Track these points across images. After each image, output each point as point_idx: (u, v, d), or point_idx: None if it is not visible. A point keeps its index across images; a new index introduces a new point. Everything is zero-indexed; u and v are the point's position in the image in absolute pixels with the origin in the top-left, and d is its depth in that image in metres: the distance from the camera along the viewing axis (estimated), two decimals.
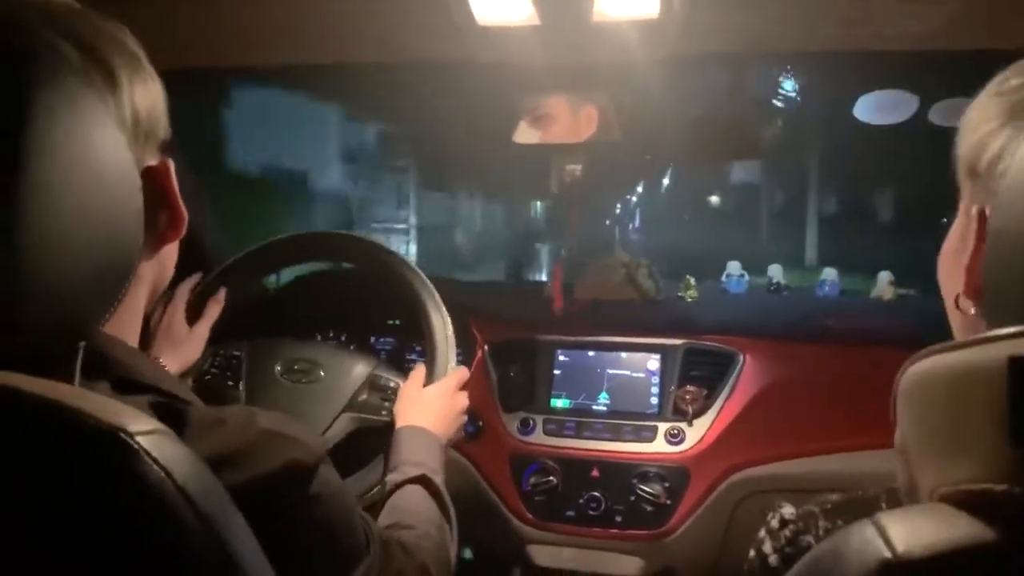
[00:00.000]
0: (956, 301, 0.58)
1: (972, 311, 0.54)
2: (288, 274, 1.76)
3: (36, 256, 0.52)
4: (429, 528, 1.00)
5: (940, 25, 1.10)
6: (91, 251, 0.56)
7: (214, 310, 1.37)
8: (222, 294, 1.39)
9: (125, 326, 0.69)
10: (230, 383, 1.31)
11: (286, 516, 0.67)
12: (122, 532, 0.48)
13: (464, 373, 1.30)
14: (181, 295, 1.34)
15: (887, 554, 0.40)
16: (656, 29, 1.10)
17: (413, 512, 1.02)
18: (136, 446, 0.48)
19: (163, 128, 0.69)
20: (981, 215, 0.55)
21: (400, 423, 1.18)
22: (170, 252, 0.74)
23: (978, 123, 0.59)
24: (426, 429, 1.16)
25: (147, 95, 0.65)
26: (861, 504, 0.69)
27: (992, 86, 0.60)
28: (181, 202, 0.70)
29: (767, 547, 0.70)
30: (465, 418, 1.28)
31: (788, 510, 0.71)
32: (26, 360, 0.53)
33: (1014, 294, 0.45)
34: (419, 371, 1.28)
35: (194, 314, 1.34)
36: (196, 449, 0.58)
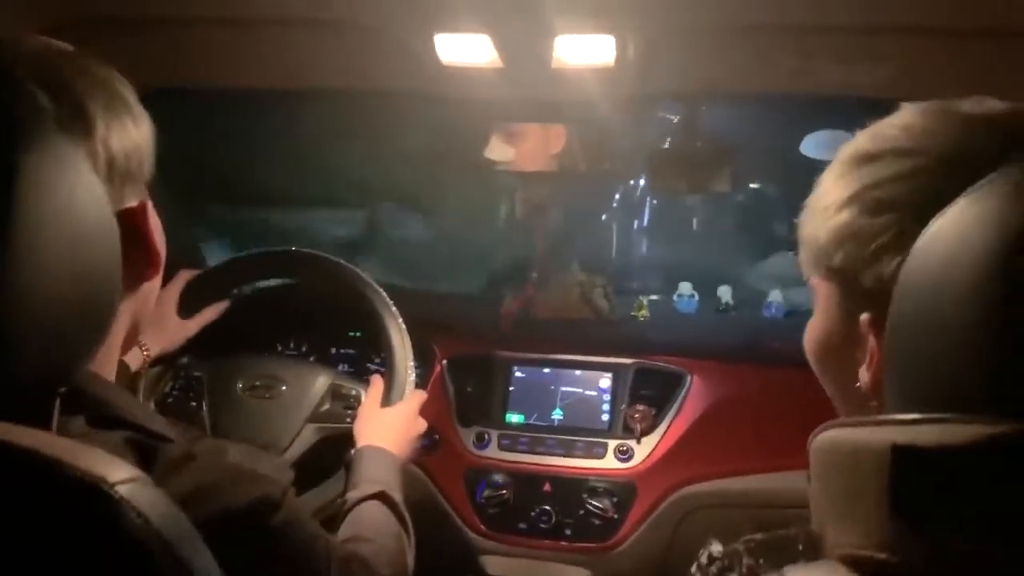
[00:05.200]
0: (845, 388, 0.65)
1: (873, 403, 0.60)
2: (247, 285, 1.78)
3: (16, 310, 0.53)
4: (387, 541, 1.05)
5: (880, 79, 1.17)
6: (71, 301, 0.58)
7: (211, 313, 1.42)
8: (224, 303, 1.45)
9: (101, 361, 0.71)
10: (193, 403, 1.34)
11: (253, 548, 0.71)
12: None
13: (423, 396, 1.34)
14: (180, 280, 1.40)
15: None
16: (612, 74, 1.16)
17: (372, 526, 1.07)
18: (116, 496, 0.52)
19: (145, 169, 0.70)
20: (874, 325, 0.59)
21: (361, 442, 1.22)
22: (150, 288, 0.76)
23: (850, 218, 0.61)
24: (386, 449, 1.20)
25: (126, 137, 0.66)
26: (781, 543, 0.75)
27: (854, 167, 0.62)
28: (157, 241, 0.71)
29: None
30: (420, 443, 1.32)
31: (716, 547, 0.76)
32: (4, 403, 0.56)
33: (913, 387, 0.50)
34: (377, 386, 1.32)
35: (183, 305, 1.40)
36: (168, 486, 0.62)
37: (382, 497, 1.11)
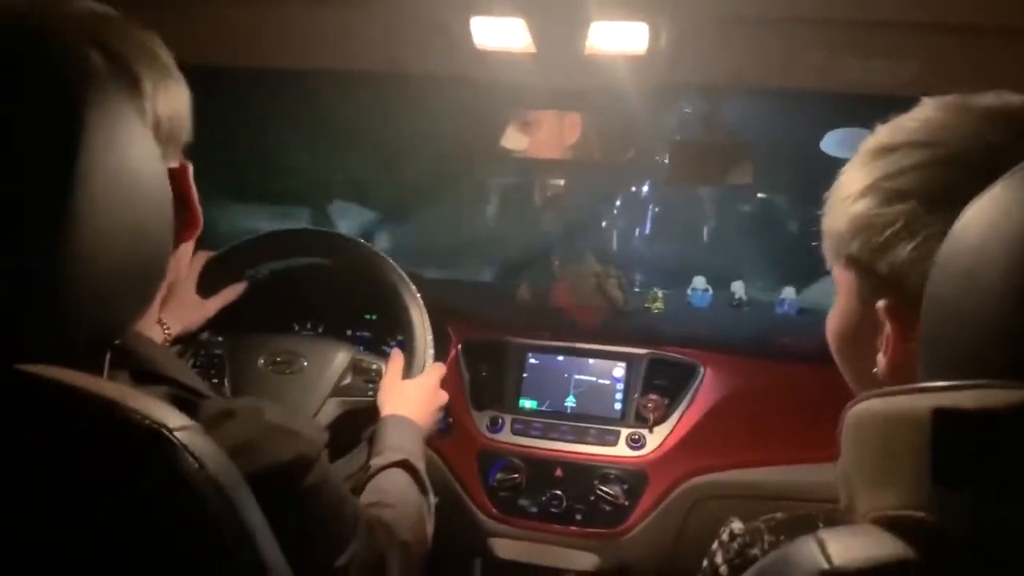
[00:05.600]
0: (863, 375, 0.67)
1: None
2: (263, 266, 1.79)
3: (80, 264, 0.55)
4: (408, 508, 1.07)
5: (902, 77, 1.18)
6: (129, 257, 0.60)
7: (230, 293, 1.44)
8: (242, 284, 1.46)
9: (142, 320, 0.73)
10: (215, 379, 1.36)
11: (288, 503, 0.73)
12: (162, 516, 0.54)
13: (442, 369, 1.37)
14: (199, 260, 1.41)
15: (825, 566, 0.48)
16: (643, 63, 1.17)
17: (394, 493, 1.09)
18: (176, 441, 0.54)
19: (185, 132, 0.72)
20: (890, 312, 0.62)
21: (385, 412, 1.25)
22: (186, 250, 0.78)
23: (865, 208, 0.63)
24: (409, 419, 1.23)
25: (170, 101, 0.68)
26: (801, 522, 0.76)
27: (872, 159, 0.65)
28: (197, 203, 0.74)
29: (718, 558, 0.77)
30: (442, 414, 1.35)
31: (737, 525, 0.78)
32: (59, 353, 0.57)
33: (948, 358, 0.52)
34: (397, 359, 1.35)
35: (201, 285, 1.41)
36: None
37: (405, 465, 1.14)
